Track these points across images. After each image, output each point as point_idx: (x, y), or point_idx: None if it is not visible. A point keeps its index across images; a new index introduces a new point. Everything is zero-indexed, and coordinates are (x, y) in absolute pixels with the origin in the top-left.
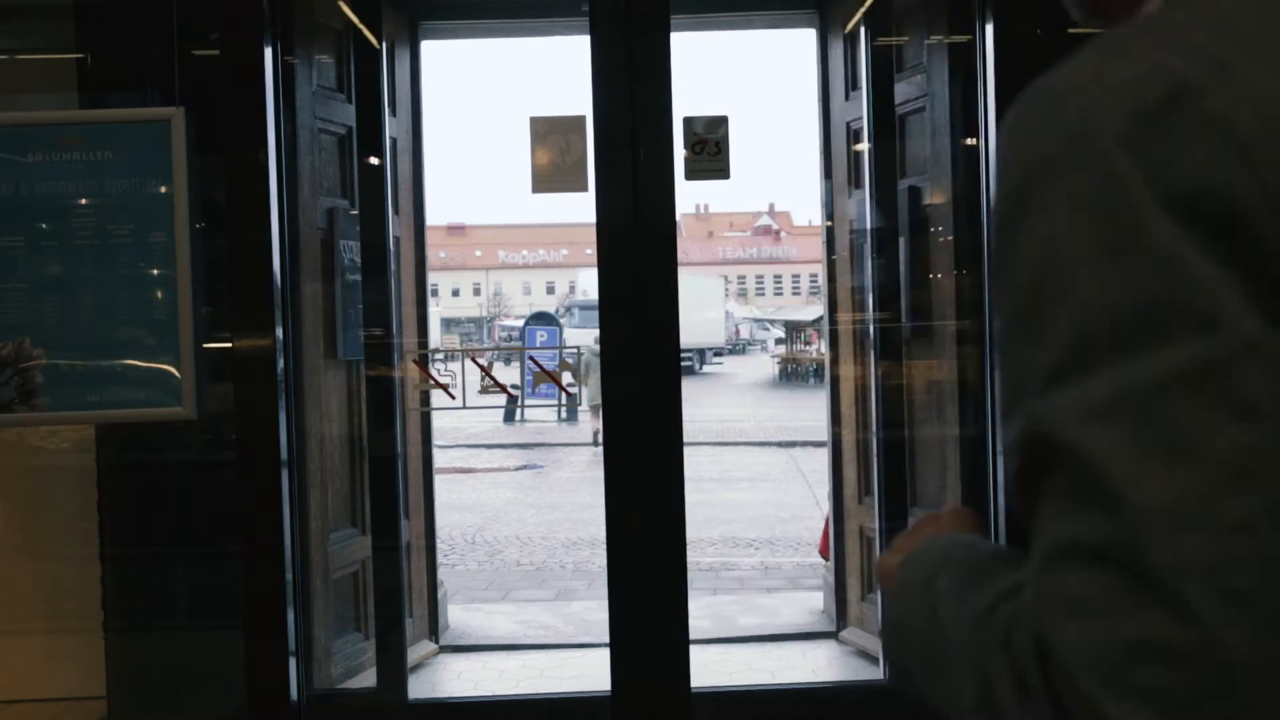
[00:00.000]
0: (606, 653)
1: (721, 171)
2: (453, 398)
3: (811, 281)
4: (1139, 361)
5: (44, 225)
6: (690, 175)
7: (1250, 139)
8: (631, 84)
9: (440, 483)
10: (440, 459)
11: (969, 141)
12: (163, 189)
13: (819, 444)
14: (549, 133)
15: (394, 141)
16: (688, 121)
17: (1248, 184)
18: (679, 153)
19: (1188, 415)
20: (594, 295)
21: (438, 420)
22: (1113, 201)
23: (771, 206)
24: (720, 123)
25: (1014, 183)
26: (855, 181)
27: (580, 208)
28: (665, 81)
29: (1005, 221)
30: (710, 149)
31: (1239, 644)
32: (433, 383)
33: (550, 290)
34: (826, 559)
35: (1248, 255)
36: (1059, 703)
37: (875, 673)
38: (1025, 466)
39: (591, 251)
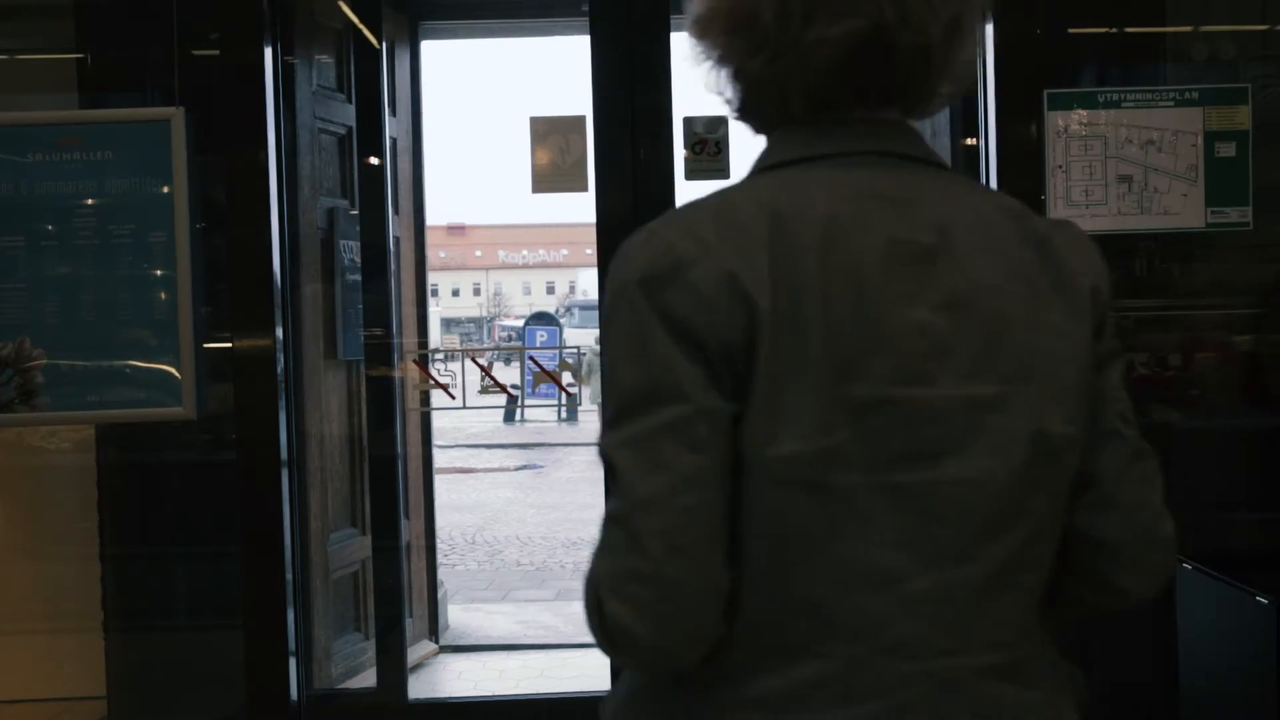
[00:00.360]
0: None
1: (721, 171)
2: (452, 397)
3: None
4: (647, 418)
5: (44, 225)
6: (690, 175)
7: (713, 296)
8: (631, 84)
9: (440, 483)
10: (440, 459)
11: (969, 142)
12: (163, 189)
13: None
14: (549, 133)
15: (394, 141)
16: (688, 121)
17: (707, 322)
18: (679, 153)
19: (666, 448)
20: (594, 295)
21: (438, 420)
22: (637, 325)
23: None
24: (720, 123)
25: (604, 300)
26: None
27: (580, 208)
28: (666, 81)
29: (601, 324)
30: (710, 149)
31: (675, 573)
32: (433, 382)
33: (550, 290)
34: None
35: (708, 360)
36: (598, 609)
37: None
38: (604, 470)
39: (591, 251)
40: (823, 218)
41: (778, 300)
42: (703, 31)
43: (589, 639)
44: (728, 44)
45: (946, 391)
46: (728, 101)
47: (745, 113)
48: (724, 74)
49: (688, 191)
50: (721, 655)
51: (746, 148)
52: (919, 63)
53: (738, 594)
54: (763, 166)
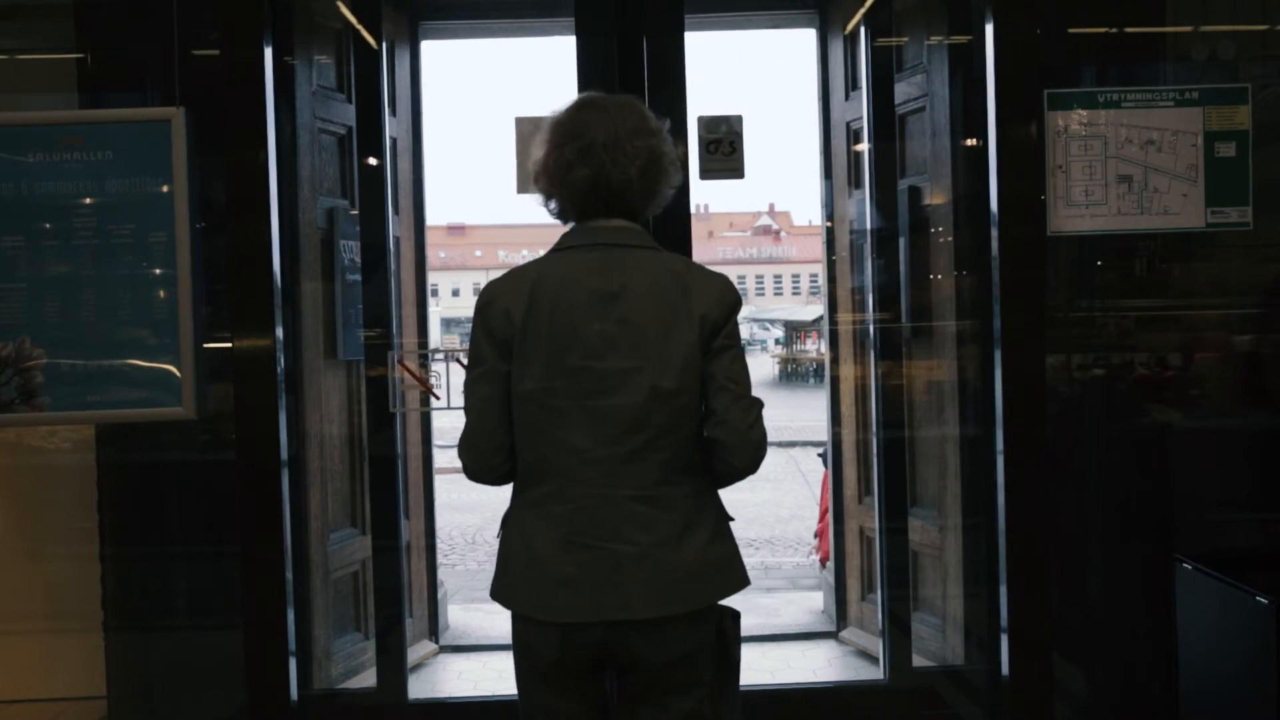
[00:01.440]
0: None
1: (736, 171)
2: (437, 398)
3: (811, 281)
4: (472, 370)
5: (44, 225)
6: (705, 175)
7: (500, 316)
8: (646, 83)
9: (440, 483)
10: (440, 459)
11: (969, 142)
12: (163, 189)
13: (819, 444)
14: (535, 132)
15: (394, 141)
16: (702, 121)
17: (497, 327)
18: (693, 152)
19: (478, 385)
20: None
21: (422, 421)
22: (474, 328)
23: (771, 206)
24: (735, 121)
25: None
26: (855, 181)
27: None
28: (680, 80)
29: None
30: (724, 148)
31: (477, 439)
32: (419, 383)
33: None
34: (825, 563)
35: (496, 344)
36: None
37: (875, 673)
38: None
39: None
40: (558, 278)
41: (526, 319)
42: (535, 180)
43: None
44: (545, 184)
45: (612, 364)
46: (550, 212)
47: (558, 217)
48: (547, 200)
49: (702, 190)
50: (518, 481)
51: (747, 147)
52: (627, 191)
53: (516, 451)
54: (554, 249)
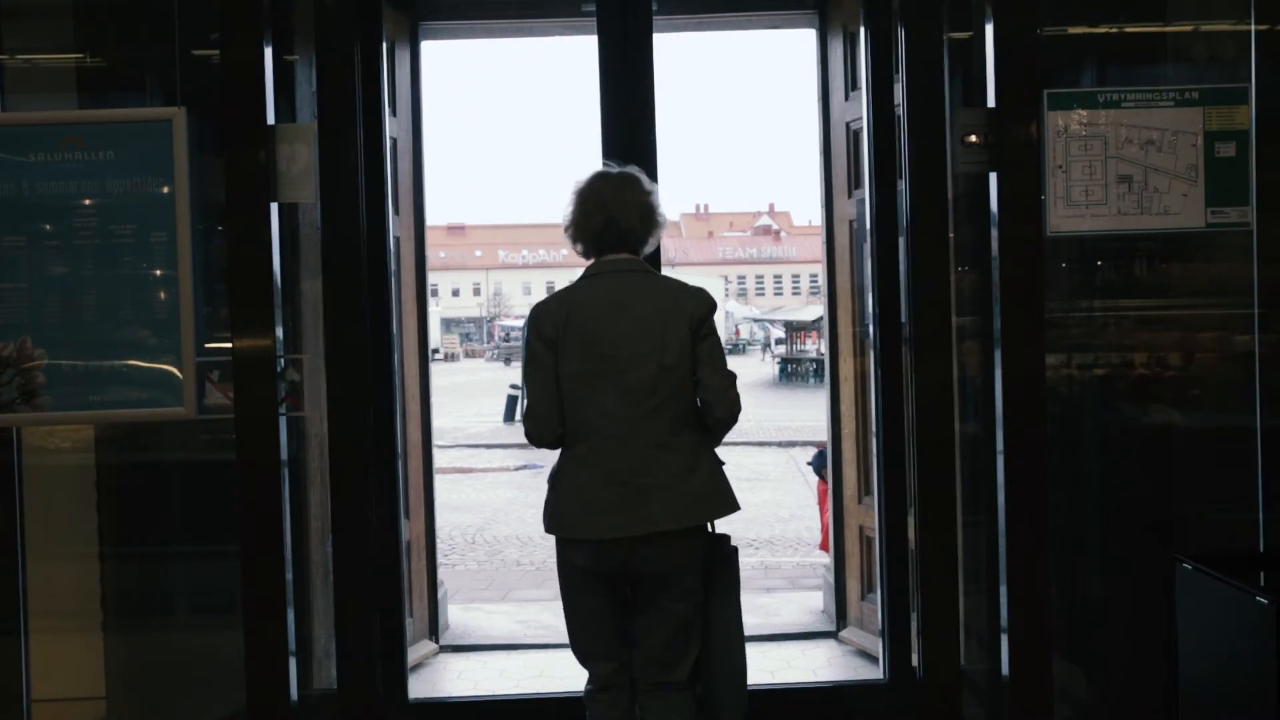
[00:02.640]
0: None
1: (986, 163)
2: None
3: (811, 281)
4: (528, 363)
5: (45, 225)
6: (962, 166)
7: (548, 324)
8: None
9: (440, 483)
10: (440, 459)
11: (971, 139)
12: (163, 189)
13: (819, 444)
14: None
15: (394, 141)
16: (959, 113)
17: (545, 331)
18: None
19: (534, 372)
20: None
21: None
22: (527, 333)
23: (771, 206)
24: (993, 115)
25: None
26: (855, 181)
27: None
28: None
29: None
30: (985, 138)
31: (536, 409)
32: (223, 397)
33: (550, 290)
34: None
35: (545, 342)
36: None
37: (875, 672)
38: None
39: None
40: (585, 297)
41: (565, 325)
42: (566, 229)
43: None
44: (574, 233)
45: (628, 351)
46: (577, 252)
47: (582, 255)
48: (574, 243)
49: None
50: (565, 441)
51: (747, 147)
52: (630, 234)
53: (564, 419)
54: (582, 277)
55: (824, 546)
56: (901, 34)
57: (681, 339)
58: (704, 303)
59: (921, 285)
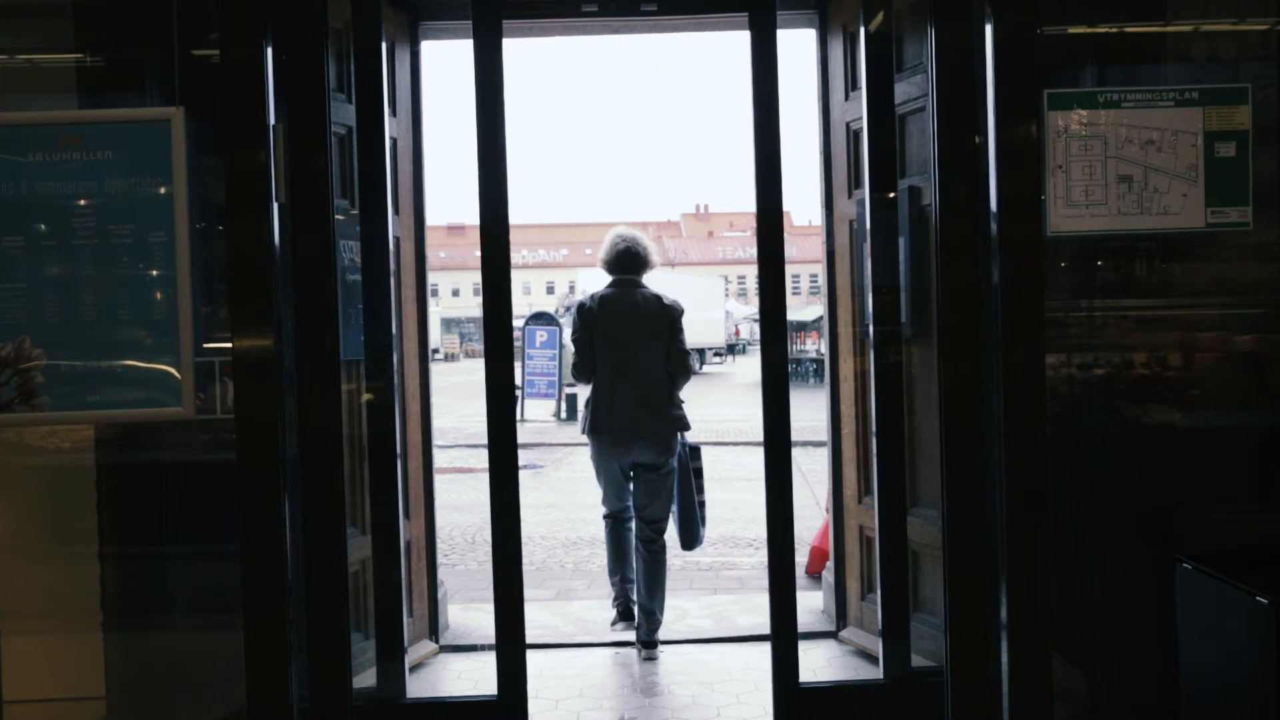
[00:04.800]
0: (606, 652)
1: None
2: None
3: (811, 281)
4: (575, 337)
5: (44, 225)
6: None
7: (588, 312)
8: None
9: (440, 483)
10: (440, 459)
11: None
12: (163, 189)
13: (819, 444)
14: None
15: (394, 141)
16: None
17: (585, 316)
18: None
19: (578, 343)
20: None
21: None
22: (575, 319)
23: None
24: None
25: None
26: (855, 181)
27: (580, 208)
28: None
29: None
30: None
31: (579, 362)
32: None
33: (550, 290)
34: (810, 573)
35: (585, 325)
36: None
37: (875, 672)
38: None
39: (591, 251)
40: (609, 296)
41: (596, 313)
42: (601, 259)
43: (589, 639)
44: (604, 260)
45: (633, 334)
46: (607, 271)
47: (608, 273)
48: (604, 266)
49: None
50: (595, 381)
51: (747, 147)
52: (637, 262)
53: (595, 369)
54: (608, 285)
55: (809, 570)
56: (932, 32)
57: (663, 328)
58: (678, 309)
59: (951, 278)
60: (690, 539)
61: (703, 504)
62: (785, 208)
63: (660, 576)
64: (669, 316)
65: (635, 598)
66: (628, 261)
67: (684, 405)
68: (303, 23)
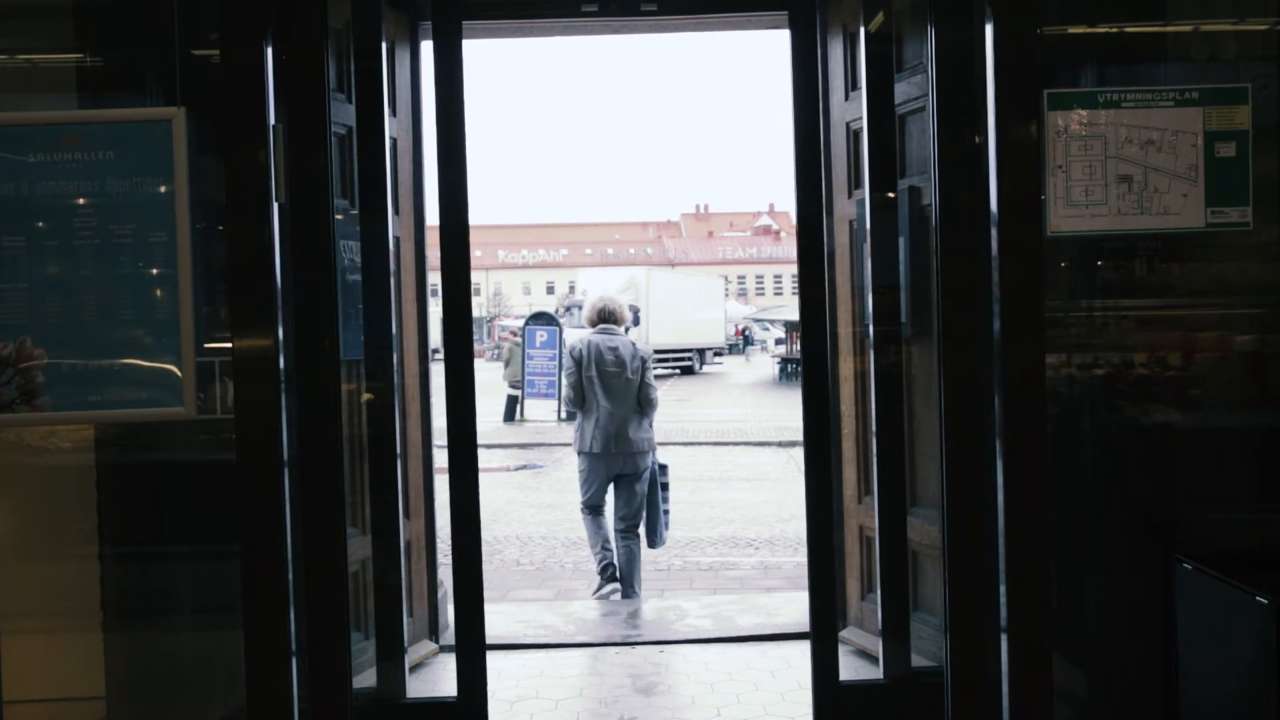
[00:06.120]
0: (607, 652)
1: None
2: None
3: None
4: (567, 376)
5: (45, 225)
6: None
7: (579, 356)
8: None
9: (440, 483)
10: (440, 459)
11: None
12: (163, 189)
13: None
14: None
15: (394, 141)
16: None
17: (581, 358)
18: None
19: (570, 378)
20: (594, 295)
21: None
22: (570, 360)
23: (771, 206)
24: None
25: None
26: (855, 181)
27: (580, 208)
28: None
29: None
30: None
31: (570, 395)
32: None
33: (550, 290)
34: None
35: (576, 364)
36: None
37: (875, 673)
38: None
39: (591, 251)
40: (594, 342)
41: (585, 355)
42: (588, 315)
43: (588, 638)
44: (590, 314)
45: (615, 372)
46: (589, 325)
47: (591, 325)
48: (588, 320)
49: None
50: (584, 411)
51: (747, 148)
52: (615, 316)
53: (585, 399)
54: (595, 331)
55: None
56: (932, 31)
57: (637, 368)
58: (647, 353)
59: (952, 277)
60: (654, 539)
61: (666, 511)
62: (783, 208)
63: (636, 558)
64: (641, 359)
65: (616, 562)
66: (608, 316)
67: (651, 428)
68: (302, 22)
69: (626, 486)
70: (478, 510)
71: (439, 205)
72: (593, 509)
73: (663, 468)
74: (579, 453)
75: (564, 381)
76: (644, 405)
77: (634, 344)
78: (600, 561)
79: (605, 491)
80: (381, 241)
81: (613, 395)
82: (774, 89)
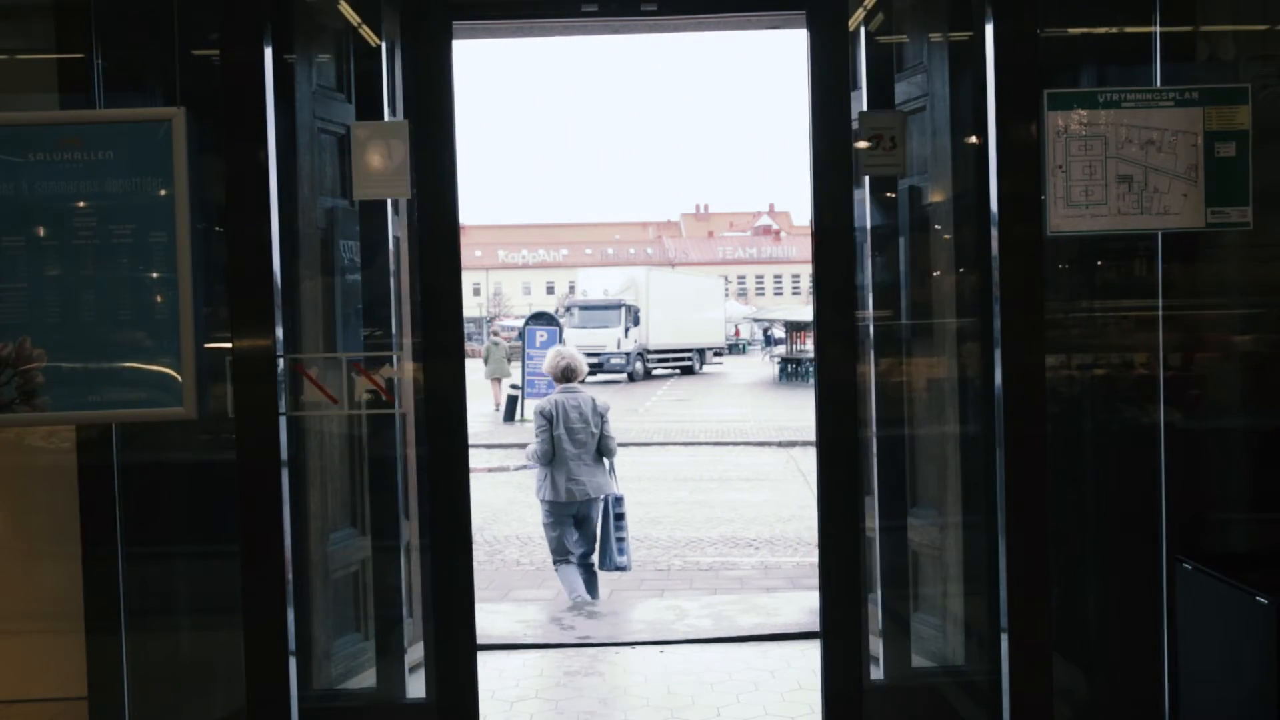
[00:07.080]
0: (606, 652)
1: (897, 165)
2: (335, 401)
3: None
4: (537, 433)
5: (45, 225)
6: (867, 170)
7: (552, 411)
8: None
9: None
10: None
11: (970, 140)
12: (163, 189)
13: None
14: (371, 138)
15: None
16: (864, 118)
17: (552, 416)
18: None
19: (540, 434)
20: (594, 296)
21: (320, 423)
22: (539, 418)
23: (771, 206)
24: (896, 119)
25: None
26: (855, 181)
27: (580, 208)
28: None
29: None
30: (886, 144)
31: (540, 450)
32: (320, 390)
33: (550, 290)
34: None
35: (546, 420)
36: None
37: (875, 673)
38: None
39: (591, 251)
40: (560, 400)
41: (554, 413)
42: (550, 371)
43: (588, 638)
44: (553, 372)
45: (580, 427)
46: (555, 380)
47: (556, 382)
48: (552, 376)
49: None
50: (553, 461)
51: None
52: (574, 374)
53: (554, 452)
54: (558, 390)
55: None
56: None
57: (598, 420)
58: (605, 406)
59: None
60: (604, 562)
61: (622, 539)
62: (784, 208)
63: (595, 579)
64: (599, 413)
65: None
66: (569, 373)
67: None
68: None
69: (584, 525)
70: (466, 492)
71: (417, 205)
72: (563, 554)
73: (618, 499)
74: (544, 501)
75: (536, 439)
76: (605, 453)
77: (593, 399)
78: (576, 601)
79: (567, 535)
80: (381, 241)
81: (580, 447)
82: (774, 89)
